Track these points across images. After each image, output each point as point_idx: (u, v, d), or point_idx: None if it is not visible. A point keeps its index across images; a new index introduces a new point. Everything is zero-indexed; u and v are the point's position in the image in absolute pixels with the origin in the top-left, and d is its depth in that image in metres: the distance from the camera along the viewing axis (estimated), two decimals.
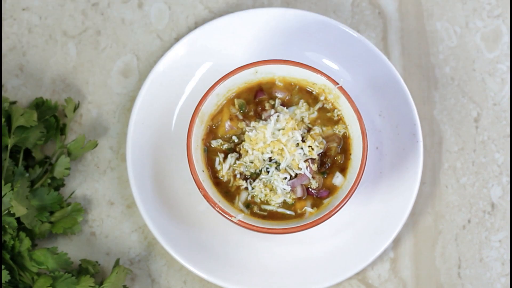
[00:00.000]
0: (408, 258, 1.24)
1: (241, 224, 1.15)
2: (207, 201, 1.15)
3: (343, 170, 1.19)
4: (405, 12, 1.31)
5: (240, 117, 1.20)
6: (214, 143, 1.20)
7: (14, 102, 1.25)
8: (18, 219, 1.17)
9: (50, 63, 1.29)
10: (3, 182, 1.15)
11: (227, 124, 1.20)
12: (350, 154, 1.19)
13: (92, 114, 1.28)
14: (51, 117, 1.24)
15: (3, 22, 1.30)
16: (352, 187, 1.15)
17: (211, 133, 1.20)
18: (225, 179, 1.19)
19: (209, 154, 1.20)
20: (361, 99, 1.24)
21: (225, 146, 1.19)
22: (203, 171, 1.18)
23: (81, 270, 1.19)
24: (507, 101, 1.29)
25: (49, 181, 1.21)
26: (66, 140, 1.26)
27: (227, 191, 1.19)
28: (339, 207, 1.15)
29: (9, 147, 1.19)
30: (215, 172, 1.19)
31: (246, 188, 1.18)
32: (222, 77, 1.18)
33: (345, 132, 1.20)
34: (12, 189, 1.15)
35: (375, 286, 1.23)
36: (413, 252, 1.24)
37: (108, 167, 1.26)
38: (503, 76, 1.29)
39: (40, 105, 1.24)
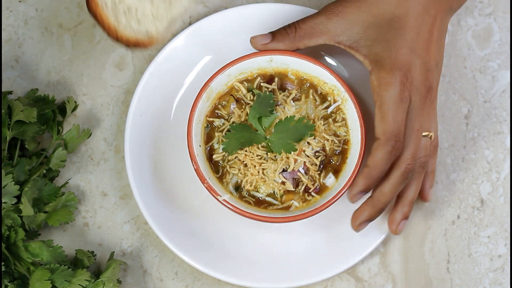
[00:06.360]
0: (397, 253, 1.25)
1: (225, 204, 1.15)
2: (198, 176, 1.15)
3: (336, 172, 1.20)
4: None
5: (247, 101, 1.21)
6: (217, 122, 1.20)
7: (10, 92, 1.26)
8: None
9: (45, 55, 1.30)
10: (3, 173, 1.15)
11: (233, 106, 1.20)
12: (347, 158, 1.20)
13: (87, 106, 1.28)
14: (49, 111, 1.24)
15: None
16: (341, 189, 1.16)
17: (215, 111, 1.21)
18: (219, 158, 1.19)
19: (210, 132, 1.20)
20: (359, 94, 1.24)
21: (226, 126, 1.20)
22: (200, 146, 1.18)
23: (77, 261, 1.20)
24: (497, 99, 1.30)
25: (44, 171, 1.22)
26: (62, 132, 1.26)
27: (219, 171, 1.19)
28: (325, 207, 1.15)
29: (8, 139, 1.19)
30: (212, 150, 1.20)
31: (238, 171, 1.19)
32: (237, 58, 1.19)
33: (346, 136, 1.21)
34: (13, 180, 1.15)
35: (365, 280, 1.24)
36: (403, 247, 1.25)
37: (102, 159, 1.27)
38: (493, 74, 1.30)
39: (39, 100, 1.25)
